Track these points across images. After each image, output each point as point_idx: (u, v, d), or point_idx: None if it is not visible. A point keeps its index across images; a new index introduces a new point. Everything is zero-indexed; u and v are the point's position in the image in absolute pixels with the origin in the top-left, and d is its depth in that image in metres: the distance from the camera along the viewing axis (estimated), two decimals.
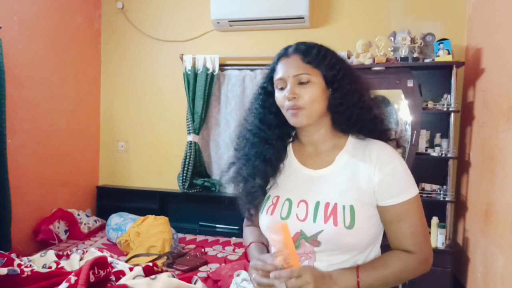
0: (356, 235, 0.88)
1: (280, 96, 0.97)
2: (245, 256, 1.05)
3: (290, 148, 1.07)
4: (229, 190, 3.37)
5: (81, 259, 2.09)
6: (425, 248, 0.95)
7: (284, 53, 0.99)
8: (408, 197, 0.91)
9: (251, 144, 1.03)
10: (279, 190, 1.01)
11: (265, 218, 1.00)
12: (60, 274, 1.82)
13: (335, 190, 0.93)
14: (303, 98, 0.93)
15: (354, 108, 0.96)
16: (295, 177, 1.01)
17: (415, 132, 2.59)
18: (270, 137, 1.02)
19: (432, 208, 2.67)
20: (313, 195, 0.94)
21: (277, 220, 0.96)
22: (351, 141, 0.99)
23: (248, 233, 1.12)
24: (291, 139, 1.08)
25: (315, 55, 0.96)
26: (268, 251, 1.02)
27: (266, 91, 1.04)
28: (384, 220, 0.94)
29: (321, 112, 0.96)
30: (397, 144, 1.00)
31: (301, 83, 0.94)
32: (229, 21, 3.15)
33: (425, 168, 2.76)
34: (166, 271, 2.00)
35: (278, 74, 0.97)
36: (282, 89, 0.97)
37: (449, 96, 2.62)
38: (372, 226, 0.93)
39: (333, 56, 0.98)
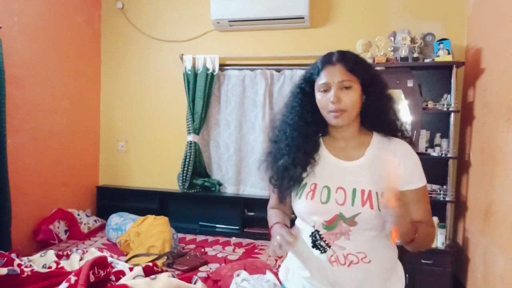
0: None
1: (323, 99, 1.10)
2: (269, 233, 1.17)
3: (321, 142, 1.20)
4: (229, 190, 3.38)
5: (81, 259, 2.09)
6: (433, 223, 1.18)
7: (329, 61, 1.12)
8: (424, 183, 1.14)
9: (292, 138, 1.16)
10: (315, 178, 1.14)
11: (304, 203, 1.13)
12: (60, 274, 1.82)
13: (368, 179, 1.09)
14: (345, 101, 1.07)
15: (383, 111, 1.13)
16: (329, 167, 1.14)
17: (415, 132, 2.59)
18: (308, 132, 1.16)
19: (432, 208, 2.64)
20: (349, 183, 1.09)
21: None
22: (376, 138, 1.15)
23: (273, 214, 1.24)
24: (324, 134, 1.21)
25: (355, 64, 1.10)
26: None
27: (304, 92, 1.18)
28: (403, 202, 1.08)
29: (357, 113, 1.12)
30: (410, 142, 1.17)
31: (343, 88, 1.08)
32: (229, 21, 3.15)
33: (425, 168, 2.68)
34: (166, 271, 2.00)
35: (323, 79, 1.10)
36: (325, 91, 1.10)
37: (449, 96, 2.62)
38: None
39: (367, 65, 1.14)
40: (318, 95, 1.12)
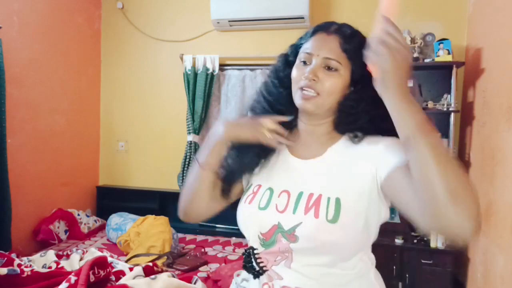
0: (338, 232, 0.78)
1: (298, 71, 0.87)
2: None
3: None
4: None
5: (81, 259, 2.09)
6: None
7: (324, 28, 0.89)
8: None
9: (263, 110, 0.95)
10: (262, 179, 0.93)
11: (241, 209, 0.92)
12: (60, 274, 1.82)
13: (321, 181, 0.85)
14: (323, 84, 0.83)
15: (362, 116, 0.85)
16: (280, 166, 0.93)
17: None
18: (283, 110, 0.93)
19: None
20: (297, 185, 0.86)
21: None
22: (345, 138, 0.90)
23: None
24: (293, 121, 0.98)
25: (355, 45, 0.85)
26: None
27: (286, 60, 0.95)
28: (401, 185, 0.76)
29: (331, 106, 0.86)
30: None
31: (326, 68, 0.84)
32: (229, 21, 3.15)
33: None
34: (166, 271, 2.00)
35: (307, 48, 0.88)
36: (304, 64, 0.87)
37: (449, 96, 2.62)
38: (361, 226, 0.81)
39: None
40: (296, 65, 0.89)
